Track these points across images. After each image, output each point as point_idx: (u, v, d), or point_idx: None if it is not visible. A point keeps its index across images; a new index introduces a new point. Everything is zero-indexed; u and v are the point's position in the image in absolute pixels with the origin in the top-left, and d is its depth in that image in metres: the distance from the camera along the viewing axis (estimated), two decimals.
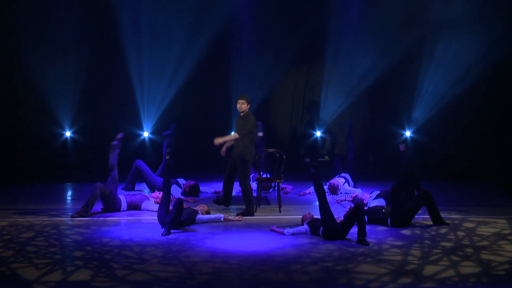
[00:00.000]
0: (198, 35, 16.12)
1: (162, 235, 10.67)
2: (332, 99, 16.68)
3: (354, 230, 10.58)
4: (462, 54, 15.79)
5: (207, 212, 11.81)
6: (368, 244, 10.18)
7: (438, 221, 11.47)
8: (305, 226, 10.84)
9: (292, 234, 10.75)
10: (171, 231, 10.89)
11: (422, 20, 16.16)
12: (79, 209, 12.02)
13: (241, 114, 12.46)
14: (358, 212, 10.38)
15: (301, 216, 11.39)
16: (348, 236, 10.58)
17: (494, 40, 15.57)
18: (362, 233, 10.31)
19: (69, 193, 14.33)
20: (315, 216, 11.07)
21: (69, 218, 11.91)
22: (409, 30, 16.08)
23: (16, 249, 10.09)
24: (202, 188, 14.22)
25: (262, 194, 13.18)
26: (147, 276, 8.99)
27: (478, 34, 15.59)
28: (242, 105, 12.42)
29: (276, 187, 13.28)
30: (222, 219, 11.66)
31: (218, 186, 14.67)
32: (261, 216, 12.27)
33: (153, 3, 16.02)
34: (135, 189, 14.29)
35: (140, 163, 13.95)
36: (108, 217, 12.09)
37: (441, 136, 15.98)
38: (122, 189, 14.30)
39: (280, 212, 12.66)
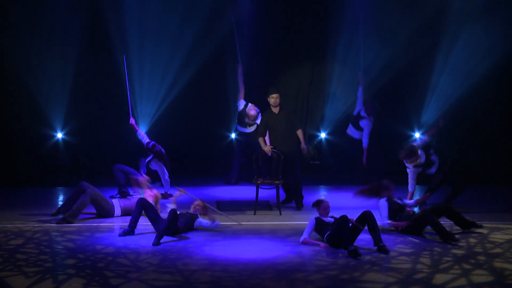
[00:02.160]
0: (196, 33, 16.12)
1: (152, 245, 10.65)
2: (337, 100, 16.67)
3: (361, 237, 10.58)
4: (473, 51, 15.76)
5: (204, 208, 11.73)
6: (388, 252, 10.17)
7: (468, 225, 11.42)
8: (313, 221, 10.75)
9: (303, 242, 10.71)
10: (168, 238, 10.88)
11: (431, 15, 16.13)
12: (65, 215, 11.98)
13: (277, 108, 12.95)
14: (368, 219, 10.38)
15: (303, 222, 11.37)
16: (356, 243, 10.56)
17: (504, 35, 15.52)
18: (378, 240, 10.29)
19: (61, 197, 14.33)
20: (330, 214, 10.92)
21: (60, 224, 11.91)
22: (420, 28, 16.06)
23: (4, 256, 10.10)
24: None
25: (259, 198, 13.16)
26: (142, 285, 9.01)
27: (489, 29, 15.56)
28: (277, 99, 12.95)
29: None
30: (218, 227, 11.58)
31: (214, 191, 14.68)
32: (261, 222, 12.27)
33: (148, 2, 16.02)
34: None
35: (121, 166, 13.92)
36: (101, 223, 12.10)
37: (452, 138, 15.95)
38: (116, 195, 14.29)
39: (280, 214, 12.67)
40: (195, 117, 16.66)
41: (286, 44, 16.70)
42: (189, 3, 16.01)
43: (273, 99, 12.90)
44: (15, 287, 8.96)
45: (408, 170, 12.91)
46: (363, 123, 15.22)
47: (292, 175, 13.08)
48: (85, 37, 15.98)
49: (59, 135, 16.17)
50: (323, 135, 16.72)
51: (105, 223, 12.06)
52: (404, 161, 12.82)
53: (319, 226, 10.75)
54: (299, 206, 13.04)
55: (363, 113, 15.24)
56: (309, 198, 13.82)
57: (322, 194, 14.69)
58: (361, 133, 15.23)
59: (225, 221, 12.23)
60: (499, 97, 16.01)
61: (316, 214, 10.92)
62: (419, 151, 12.69)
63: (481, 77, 15.69)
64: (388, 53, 16.19)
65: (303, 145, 13.12)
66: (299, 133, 13.12)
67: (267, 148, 12.82)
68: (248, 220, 12.32)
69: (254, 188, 12.87)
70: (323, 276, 9.39)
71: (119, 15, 15.80)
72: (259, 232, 11.51)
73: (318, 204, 10.97)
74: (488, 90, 15.88)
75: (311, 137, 16.97)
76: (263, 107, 15.86)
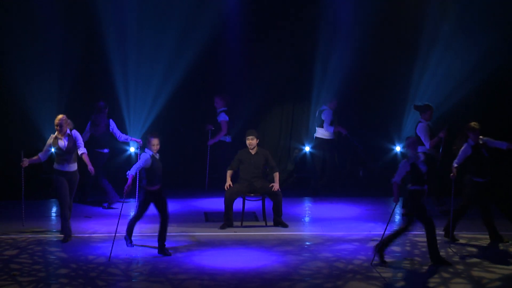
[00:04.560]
0: (186, 48, 16.00)
1: (162, 254, 10.63)
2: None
3: (343, 247, 10.57)
4: (454, 66, 15.63)
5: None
6: None
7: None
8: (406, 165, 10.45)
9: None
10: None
11: (413, 32, 16.02)
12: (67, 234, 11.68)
13: (254, 149, 12.75)
14: None
15: (288, 233, 11.36)
16: (338, 253, 10.57)
17: (488, 51, 15.34)
18: None
19: (54, 209, 14.28)
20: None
21: (54, 236, 11.88)
22: (401, 43, 15.97)
23: None
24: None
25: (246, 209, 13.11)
26: None
27: (471, 45, 15.42)
28: (252, 141, 12.71)
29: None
30: None
31: (202, 203, 14.62)
32: (248, 232, 12.27)
33: (140, 18, 15.89)
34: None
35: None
36: (93, 234, 12.06)
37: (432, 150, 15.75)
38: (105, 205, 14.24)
39: (266, 225, 12.64)
40: (184, 130, 16.51)
41: (273, 64, 16.55)
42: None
43: (249, 140, 12.78)
44: None
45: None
46: (324, 115, 15.38)
47: (271, 193, 12.80)
48: (78, 54, 15.85)
49: (53, 149, 16.03)
50: (307, 148, 16.71)
51: (97, 234, 12.03)
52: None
53: (414, 172, 10.46)
54: (284, 224, 12.81)
55: (323, 107, 15.52)
56: (293, 210, 13.83)
57: (307, 205, 14.68)
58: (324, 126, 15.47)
59: (214, 232, 12.23)
60: (477, 110, 15.77)
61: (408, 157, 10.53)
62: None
63: (463, 92, 15.56)
64: (369, 66, 16.12)
65: (276, 185, 12.69)
66: (276, 175, 12.94)
67: (227, 184, 12.66)
68: (235, 231, 12.31)
69: (241, 199, 12.85)
70: (307, 284, 9.42)
71: (115, 33, 15.69)
72: (246, 242, 11.51)
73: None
74: (470, 102, 15.67)
75: (296, 151, 16.90)
76: (245, 123, 15.88)
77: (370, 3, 15.83)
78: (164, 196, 10.92)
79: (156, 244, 10.77)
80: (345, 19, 16.09)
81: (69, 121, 11.94)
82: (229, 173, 12.77)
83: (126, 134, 14.90)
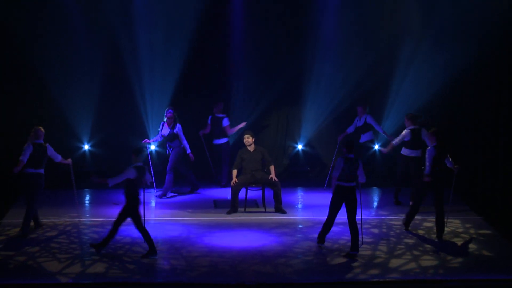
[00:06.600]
0: (192, 53, 15.82)
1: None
2: (312, 115, 16.53)
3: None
4: (427, 64, 15.43)
5: None
6: None
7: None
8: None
9: None
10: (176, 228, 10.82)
11: (386, 33, 15.81)
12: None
13: (252, 147, 12.75)
14: None
15: (285, 217, 11.36)
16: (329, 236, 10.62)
17: (457, 50, 15.09)
18: None
19: (87, 198, 14.31)
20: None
21: (88, 220, 11.91)
22: (377, 43, 15.80)
23: (41, 245, 10.13)
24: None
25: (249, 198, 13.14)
26: (154, 269, 9.06)
27: (443, 44, 15.21)
28: (248, 139, 12.71)
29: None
30: None
31: (211, 192, 14.59)
32: (250, 217, 12.29)
33: (164, 30, 15.71)
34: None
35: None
36: None
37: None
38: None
39: (265, 211, 12.65)
40: (194, 128, 16.22)
41: (270, 71, 16.43)
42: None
43: (245, 139, 12.80)
44: (50, 270, 9.03)
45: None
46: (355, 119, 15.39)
47: (270, 183, 12.80)
48: (105, 64, 15.73)
49: (86, 146, 16.07)
50: (300, 146, 16.72)
51: None
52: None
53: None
54: (283, 211, 12.61)
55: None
56: (288, 198, 13.82)
57: (300, 194, 14.69)
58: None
59: (221, 216, 12.26)
60: (451, 106, 15.51)
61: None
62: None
63: (436, 88, 15.41)
64: (353, 72, 15.99)
65: (273, 176, 12.68)
66: (271, 168, 12.85)
67: (233, 181, 12.65)
68: (239, 216, 12.34)
69: (244, 189, 12.87)
70: (300, 261, 9.48)
71: (134, 43, 15.58)
72: (249, 225, 11.55)
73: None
74: (441, 99, 15.48)
75: (289, 148, 16.85)
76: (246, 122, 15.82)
77: (355, 17, 15.73)
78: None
79: (173, 227, 10.80)
80: (333, 31, 15.96)
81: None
82: (234, 172, 12.81)
83: (149, 136, 15.04)
